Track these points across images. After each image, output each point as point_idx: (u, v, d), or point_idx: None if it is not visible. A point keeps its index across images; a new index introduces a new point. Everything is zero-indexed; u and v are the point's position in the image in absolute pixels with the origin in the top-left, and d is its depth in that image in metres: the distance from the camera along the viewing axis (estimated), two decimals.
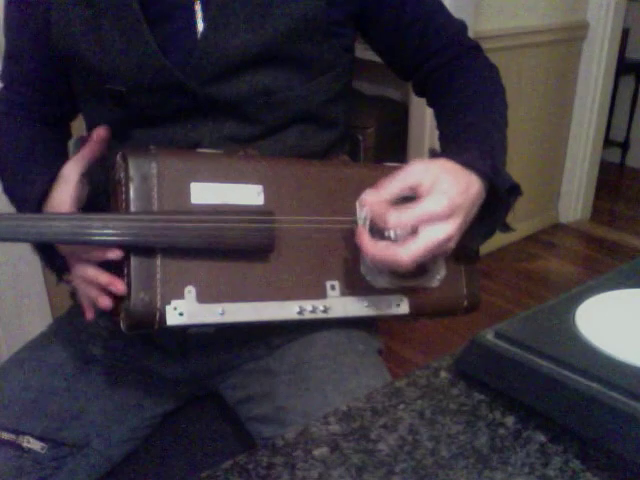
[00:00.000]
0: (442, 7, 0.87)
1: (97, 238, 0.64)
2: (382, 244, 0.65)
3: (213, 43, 0.75)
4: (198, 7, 0.76)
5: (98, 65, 0.76)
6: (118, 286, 0.67)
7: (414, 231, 0.65)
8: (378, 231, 0.68)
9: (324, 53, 0.80)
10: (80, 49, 0.77)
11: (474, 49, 0.88)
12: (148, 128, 0.78)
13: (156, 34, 0.75)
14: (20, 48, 0.83)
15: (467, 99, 0.83)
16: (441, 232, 0.65)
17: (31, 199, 0.73)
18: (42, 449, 0.76)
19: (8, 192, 0.83)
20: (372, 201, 0.65)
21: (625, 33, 3.16)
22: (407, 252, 0.64)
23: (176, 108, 0.78)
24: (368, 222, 0.70)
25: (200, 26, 0.76)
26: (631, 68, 3.63)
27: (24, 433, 0.76)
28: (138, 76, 0.76)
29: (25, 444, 0.76)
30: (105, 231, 0.64)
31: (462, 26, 0.88)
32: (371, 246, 0.66)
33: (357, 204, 0.76)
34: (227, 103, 0.77)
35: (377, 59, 0.92)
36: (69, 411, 0.80)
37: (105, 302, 0.68)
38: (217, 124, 0.78)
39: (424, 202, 0.65)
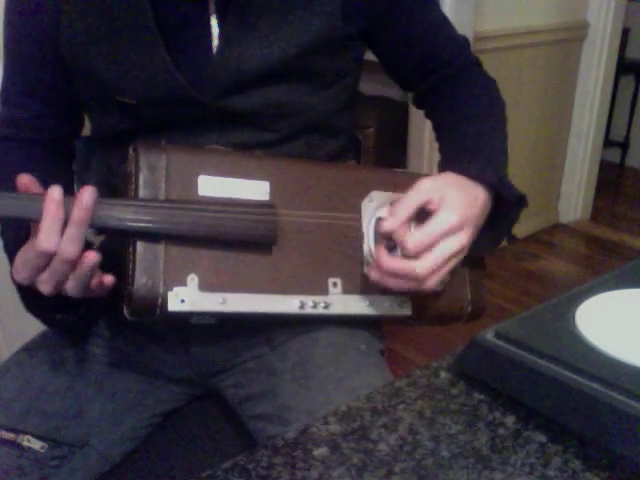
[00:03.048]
0: (447, 23, 0.88)
1: (103, 222, 0.64)
2: (399, 260, 0.68)
3: (228, 59, 0.75)
4: (214, 22, 0.76)
5: (109, 77, 0.76)
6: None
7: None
8: (388, 244, 0.71)
9: (336, 65, 0.81)
10: (90, 61, 0.76)
11: (475, 64, 0.91)
12: (155, 135, 0.78)
13: (169, 47, 0.74)
14: (25, 58, 0.81)
15: (469, 112, 0.85)
16: (454, 244, 0.69)
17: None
18: (42, 448, 0.76)
19: (1, 232, 0.77)
20: (390, 228, 0.68)
21: (625, 33, 3.16)
22: (424, 265, 0.67)
23: (185, 118, 0.78)
24: (373, 234, 0.73)
25: (215, 41, 0.76)
26: (631, 68, 3.63)
27: (24, 432, 0.76)
28: (150, 89, 0.76)
29: (25, 443, 0.76)
30: (111, 214, 0.64)
31: (465, 41, 0.90)
32: (389, 262, 0.68)
33: (362, 205, 0.76)
34: (238, 114, 0.78)
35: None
36: (69, 411, 0.80)
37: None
38: (225, 132, 0.78)
39: (436, 219, 0.69)
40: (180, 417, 0.90)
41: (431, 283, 0.69)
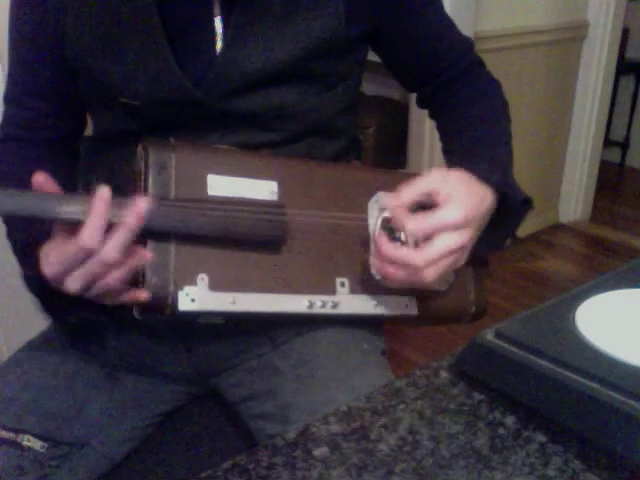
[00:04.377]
0: (452, 24, 0.89)
1: (114, 220, 0.64)
2: (398, 247, 0.68)
3: (232, 61, 0.75)
4: (218, 24, 0.76)
5: (113, 78, 0.76)
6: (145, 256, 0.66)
7: (428, 238, 0.68)
8: (391, 236, 0.71)
9: (339, 68, 0.81)
10: (95, 61, 0.76)
11: (478, 65, 0.91)
12: (158, 135, 0.78)
13: (174, 49, 0.74)
14: (30, 58, 0.81)
15: (474, 114, 0.85)
16: (454, 241, 0.69)
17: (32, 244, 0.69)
18: (42, 448, 0.76)
19: (9, 234, 0.78)
20: (392, 205, 0.69)
21: (625, 33, 3.16)
22: (422, 255, 0.67)
23: (188, 119, 0.78)
24: (380, 225, 0.73)
25: (219, 44, 0.76)
26: (631, 68, 3.63)
27: (24, 432, 0.76)
28: (154, 91, 0.76)
29: (25, 443, 0.76)
30: (121, 212, 0.64)
31: (470, 43, 0.91)
32: (389, 248, 0.68)
33: (369, 206, 0.76)
34: (240, 116, 0.78)
35: (377, 59, 0.92)
36: (69, 410, 0.80)
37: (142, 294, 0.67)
38: (227, 133, 0.78)
39: (441, 211, 0.68)
40: (180, 417, 0.90)
41: (429, 276, 0.68)
